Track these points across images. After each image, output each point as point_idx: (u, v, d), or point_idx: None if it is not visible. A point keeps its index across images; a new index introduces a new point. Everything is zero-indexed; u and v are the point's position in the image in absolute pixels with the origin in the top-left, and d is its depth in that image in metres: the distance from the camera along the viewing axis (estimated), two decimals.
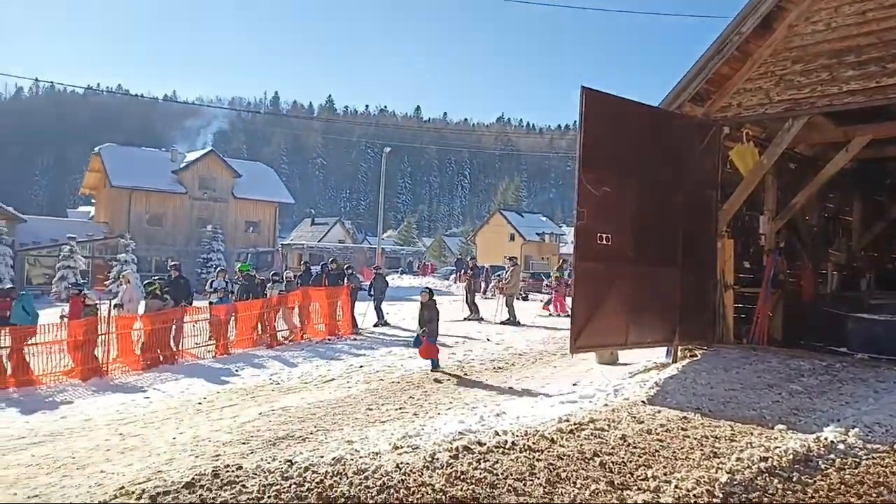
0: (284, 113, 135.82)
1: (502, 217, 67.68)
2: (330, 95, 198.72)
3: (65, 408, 8.15)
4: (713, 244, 9.29)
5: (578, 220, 7.55)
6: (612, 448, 5.30)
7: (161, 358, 11.31)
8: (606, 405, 6.74)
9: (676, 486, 4.40)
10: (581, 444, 5.39)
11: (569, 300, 19.96)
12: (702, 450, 5.26)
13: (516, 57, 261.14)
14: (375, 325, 16.32)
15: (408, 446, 5.42)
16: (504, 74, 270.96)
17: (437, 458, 5.00)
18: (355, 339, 14.20)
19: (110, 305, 11.85)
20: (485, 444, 5.36)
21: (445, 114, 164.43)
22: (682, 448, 5.32)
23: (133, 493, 4.50)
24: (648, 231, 8.18)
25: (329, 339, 14.16)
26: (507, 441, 5.46)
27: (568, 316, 18.91)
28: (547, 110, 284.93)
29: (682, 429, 5.85)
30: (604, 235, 7.73)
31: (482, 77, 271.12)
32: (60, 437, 6.63)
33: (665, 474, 4.69)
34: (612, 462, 4.95)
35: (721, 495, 4.23)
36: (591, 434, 5.67)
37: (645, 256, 8.19)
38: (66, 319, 11.58)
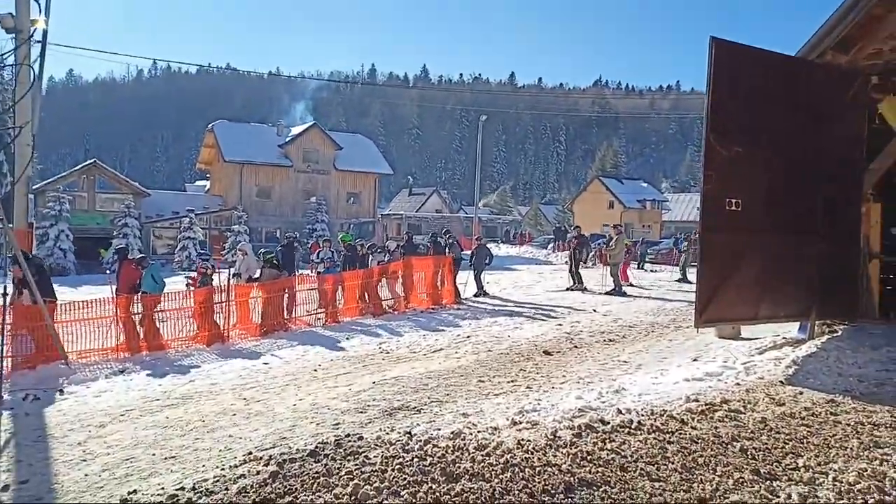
0: (380, 84, 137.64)
1: (601, 184, 65.61)
2: (424, 65, 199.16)
3: (193, 372, 8.61)
4: (857, 209, 8.36)
5: (705, 184, 6.96)
6: (752, 432, 4.87)
7: (276, 325, 11.77)
8: (739, 384, 6.24)
9: (835, 480, 3.94)
10: (715, 427, 4.99)
11: (632, 268, 19.43)
12: (858, 438, 4.72)
13: (616, 18, 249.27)
14: (476, 295, 16.26)
15: (526, 422, 5.24)
16: (601, 36, 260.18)
17: (560, 437, 4.79)
18: (458, 309, 14.16)
19: (229, 275, 12.43)
20: (608, 423, 5.09)
21: (540, 79, 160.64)
22: (834, 435, 4.79)
23: (261, 458, 4.61)
24: (783, 195, 7.44)
25: (432, 309, 14.21)
26: (632, 420, 5.16)
27: (630, 284, 18.27)
28: (647, 71, 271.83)
29: (832, 413, 5.29)
30: (733, 201, 7.09)
31: (579, 40, 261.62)
32: (190, 400, 6.98)
33: (819, 464, 4.23)
34: (755, 448, 4.54)
35: (894, 493, 3.74)
36: (726, 416, 5.24)
37: (779, 223, 7.48)
38: (191, 287, 12.31)
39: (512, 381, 7.28)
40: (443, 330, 11.42)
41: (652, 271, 23.16)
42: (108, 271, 17.49)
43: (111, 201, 35.37)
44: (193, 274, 13.82)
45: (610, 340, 10.03)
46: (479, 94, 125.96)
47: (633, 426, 5.02)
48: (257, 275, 13.34)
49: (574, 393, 6.36)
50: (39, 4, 8.84)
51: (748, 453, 4.46)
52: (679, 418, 5.20)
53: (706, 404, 5.54)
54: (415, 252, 16.53)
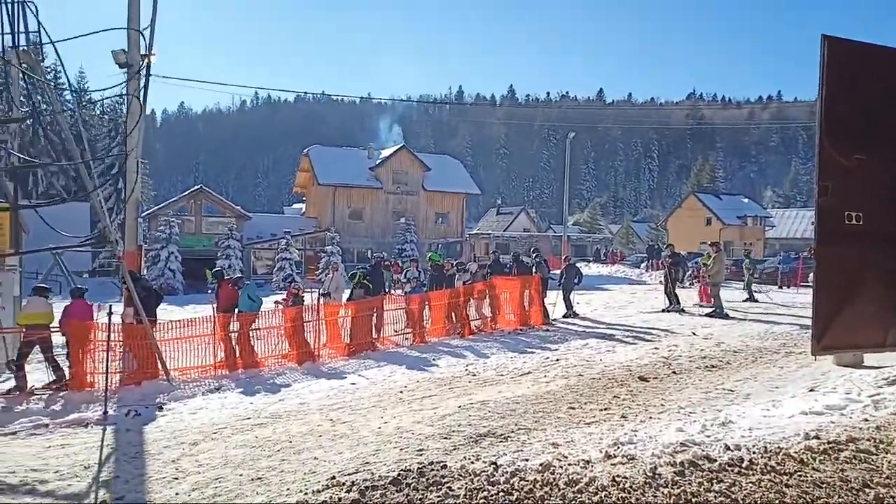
0: (468, 105, 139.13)
1: (697, 200, 62.63)
2: (511, 85, 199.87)
3: (283, 391, 8.75)
4: None
5: (820, 195, 6.30)
6: (888, 478, 4.26)
7: (364, 345, 11.84)
8: (867, 420, 5.54)
9: None
10: (842, 470, 4.41)
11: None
12: None
13: (708, 28, 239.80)
14: (565, 317, 15.79)
15: (622, 455, 4.85)
16: (694, 49, 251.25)
17: (660, 474, 4.38)
18: (547, 331, 13.76)
19: (319, 294, 12.67)
20: (715, 461, 4.62)
21: (630, 94, 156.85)
22: None
23: (343, 484, 4.51)
24: None
25: (520, 330, 13.90)
26: (742, 458, 4.66)
27: (709, 307, 16.91)
28: (745, 83, 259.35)
29: None
30: (853, 214, 6.38)
31: (670, 52, 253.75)
32: (279, 419, 7.05)
33: None
34: (892, 497, 3.95)
35: None
36: (854, 457, 4.63)
37: None
38: (280, 306, 12.65)
39: (605, 409, 6.87)
40: (531, 352, 11.08)
41: (758, 292, 21.59)
42: (209, 291, 18.39)
43: (216, 224, 37.50)
44: (284, 295, 14.25)
45: (712, 366, 9.34)
46: (567, 111, 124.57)
47: (743, 465, 4.54)
48: (346, 294, 13.54)
49: (674, 424, 5.88)
50: (145, 38, 9.43)
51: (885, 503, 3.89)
52: (797, 458, 4.65)
53: (829, 442, 4.93)
54: (501, 272, 16.28)
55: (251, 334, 10.86)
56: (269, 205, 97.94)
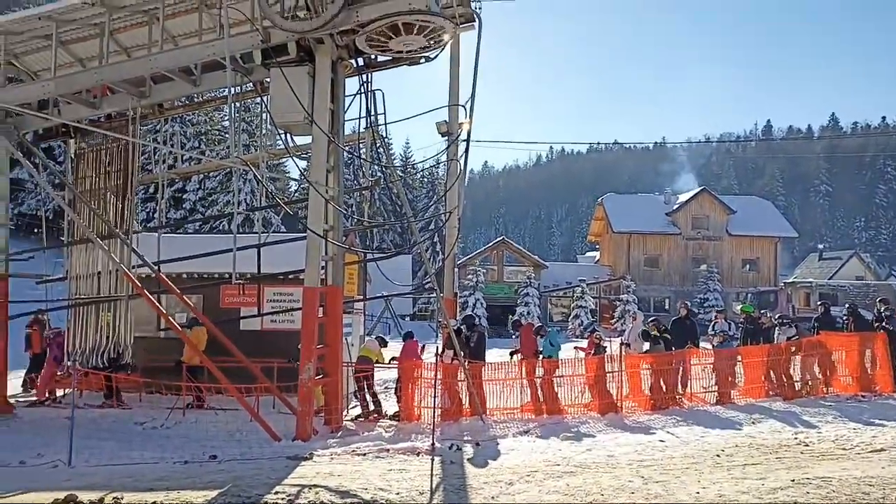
0: (778, 140, 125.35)
1: None
2: (833, 113, 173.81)
3: (588, 441, 8.73)
4: None
5: None
6: None
7: (668, 400, 11.23)
8: None
9: None
10: None
11: None
12: None
13: None
14: None
15: None
16: None
17: None
18: None
19: (620, 345, 12.46)
20: None
21: None
22: None
23: None
24: None
25: (862, 397, 11.78)
26: None
27: None
28: None
29: None
30: None
31: None
32: (588, 469, 7.03)
33: None
34: None
35: None
36: None
37: None
38: (580, 353, 12.76)
39: None
40: (881, 424, 9.26)
41: None
42: (514, 336, 19.47)
43: (515, 273, 39.85)
44: (583, 344, 14.37)
45: None
46: None
47: None
48: (645, 347, 13.06)
49: None
50: (465, 109, 10.66)
51: None
52: None
53: None
54: (832, 327, 14.03)
55: (554, 381, 11.14)
56: (562, 254, 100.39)
